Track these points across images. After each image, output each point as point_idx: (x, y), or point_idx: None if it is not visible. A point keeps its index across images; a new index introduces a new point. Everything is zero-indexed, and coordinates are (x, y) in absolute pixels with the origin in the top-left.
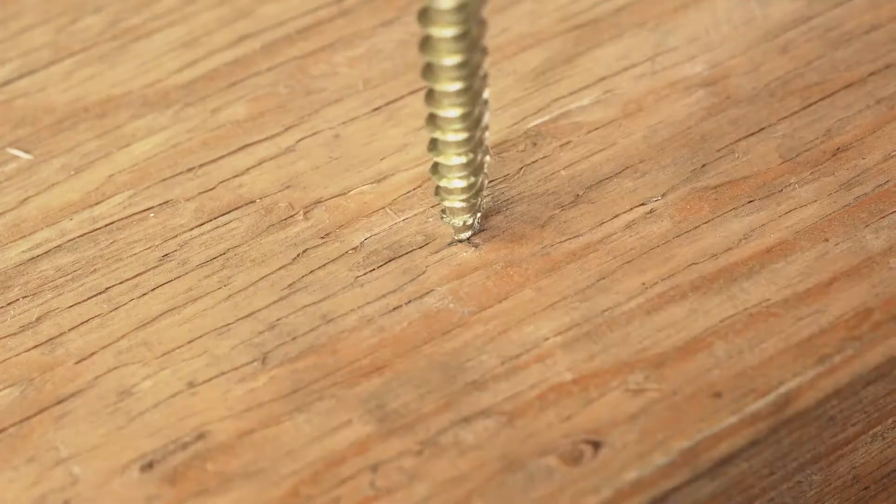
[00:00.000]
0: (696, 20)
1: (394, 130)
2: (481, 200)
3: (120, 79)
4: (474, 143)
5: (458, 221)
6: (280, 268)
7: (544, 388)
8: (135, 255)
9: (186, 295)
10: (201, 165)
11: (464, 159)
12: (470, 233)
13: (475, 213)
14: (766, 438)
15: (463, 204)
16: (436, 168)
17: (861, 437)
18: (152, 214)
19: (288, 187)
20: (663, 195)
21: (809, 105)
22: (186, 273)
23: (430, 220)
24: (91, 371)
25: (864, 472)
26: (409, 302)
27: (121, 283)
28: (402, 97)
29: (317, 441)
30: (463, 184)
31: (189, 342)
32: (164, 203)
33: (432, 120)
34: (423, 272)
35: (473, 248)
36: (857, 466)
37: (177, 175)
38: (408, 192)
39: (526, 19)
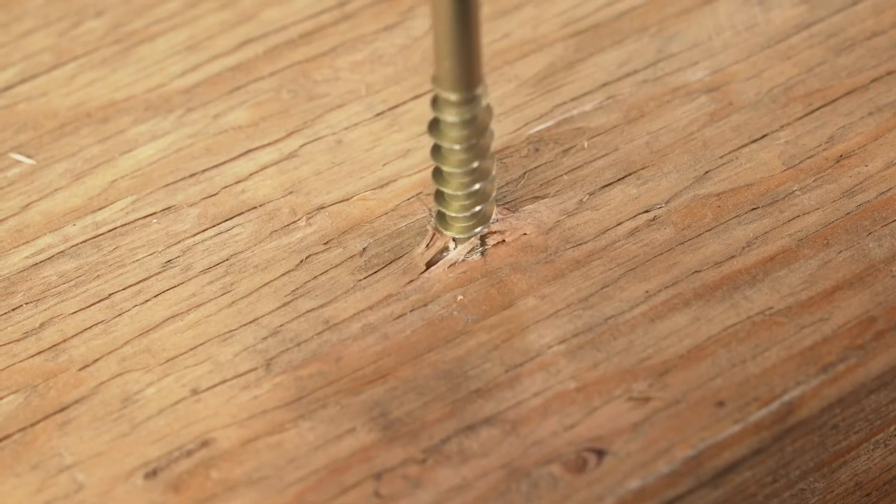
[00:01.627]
0: (698, 26)
1: (396, 136)
2: (485, 208)
3: (122, 83)
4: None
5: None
6: (283, 274)
7: (548, 397)
8: (137, 261)
9: (189, 301)
10: (204, 171)
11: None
12: (474, 240)
13: (479, 220)
14: (769, 447)
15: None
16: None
17: (863, 445)
18: (155, 220)
19: (290, 193)
20: (666, 202)
21: (812, 111)
22: (189, 279)
23: (434, 226)
24: (95, 378)
25: (867, 479)
26: (413, 309)
27: (124, 289)
28: (404, 102)
29: (321, 448)
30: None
31: (192, 349)
32: (166, 209)
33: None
34: (427, 279)
35: (477, 256)
36: (860, 473)
37: (179, 180)
38: (410, 198)
39: (527, 25)
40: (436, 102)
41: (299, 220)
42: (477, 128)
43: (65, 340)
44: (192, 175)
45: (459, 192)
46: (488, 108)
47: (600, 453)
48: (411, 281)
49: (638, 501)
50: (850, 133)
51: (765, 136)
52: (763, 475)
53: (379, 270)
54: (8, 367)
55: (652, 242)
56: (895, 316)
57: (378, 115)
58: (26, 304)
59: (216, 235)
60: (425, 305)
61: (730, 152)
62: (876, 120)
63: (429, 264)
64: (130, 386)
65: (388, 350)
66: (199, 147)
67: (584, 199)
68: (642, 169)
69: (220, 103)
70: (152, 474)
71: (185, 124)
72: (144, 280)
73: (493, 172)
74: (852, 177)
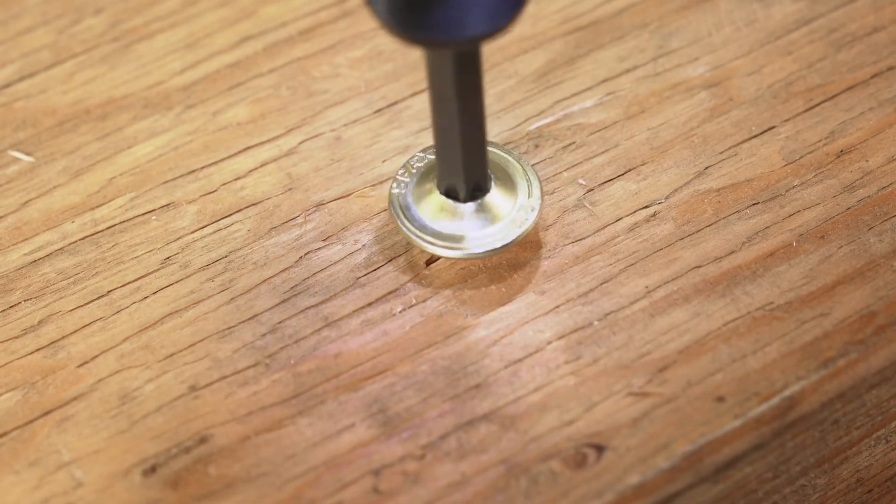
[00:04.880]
0: (698, 21)
1: (396, 132)
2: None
3: (121, 80)
4: None
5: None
6: (282, 270)
7: (547, 392)
8: (136, 257)
9: (188, 298)
10: (203, 168)
11: None
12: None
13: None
14: (769, 442)
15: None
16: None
17: (865, 441)
18: (154, 217)
19: (289, 189)
20: (666, 198)
21: (812, 107)
22: (188, 276)
23: None
24: (93, 374)
25: (868, 475)
26: (412, 305)
27: (122, 286)
28: (403, 99)
29: (319, 445)
30: None
31: (191, 345)
32: (165, 205)
33: None
34: (426, 276)
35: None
36: (861, 469)
37: (178, 177)
38: None
39: (527, 21)
40: None
41: (298, 216)
42: None
43: (63, 337)
44: (191, 172)
45: None
46: None
47: (600, 449)
48: (411, 278)
49: (637, 497)
50: (851, 128)
51: (765, 131)
52: (763, 471)
53: (378, 268)
54: (6, 363)
55: (652, 238)
56: None
57: (377, 111)
58: (25, 301)
59: (215, 232)
60: (424, 301)
61: (730, 147)
62: (877, 115)
63: (428, 262)
64: (129, 383)
65: (387, 346)
66: (198, 144)
67: (584, 195)
68: (642, 165)
69: (219, 100)
70: (151, 471)
71: (184, 121)
72: (143, 277)
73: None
74: (853, 172)
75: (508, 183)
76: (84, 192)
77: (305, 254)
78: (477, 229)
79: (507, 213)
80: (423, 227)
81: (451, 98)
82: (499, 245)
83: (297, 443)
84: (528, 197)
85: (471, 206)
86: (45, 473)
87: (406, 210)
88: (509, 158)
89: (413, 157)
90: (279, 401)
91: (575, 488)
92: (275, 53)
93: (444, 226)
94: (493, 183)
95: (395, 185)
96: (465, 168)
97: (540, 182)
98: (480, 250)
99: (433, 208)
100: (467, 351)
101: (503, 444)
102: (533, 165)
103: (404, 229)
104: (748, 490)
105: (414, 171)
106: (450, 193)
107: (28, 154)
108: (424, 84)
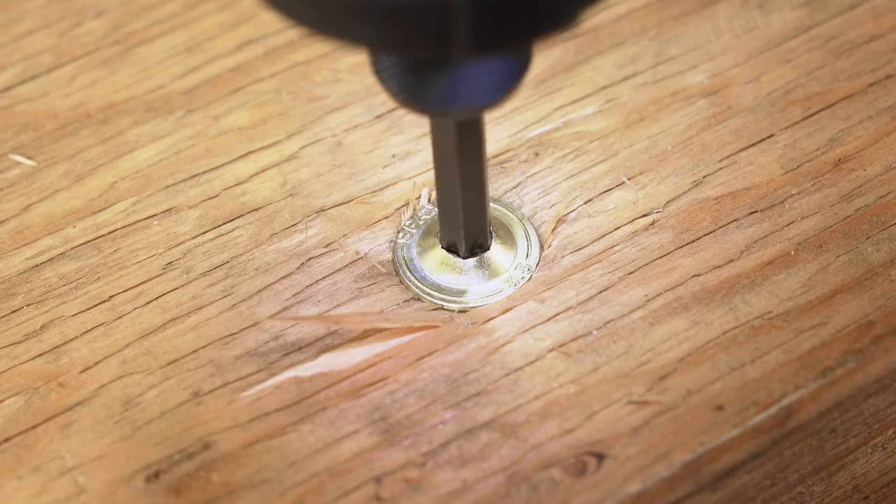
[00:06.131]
0: (697, 29)
1: (397, 138)
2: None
3: (122, 84)
4: None
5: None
6: (284, 276)
7: (548, 400)
8: (138, 262)
9: (190, 304)
10: (204, 172)
11: None
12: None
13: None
14: (767, 451)
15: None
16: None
17: (862, 448)
18: (156, 222)
19: (291, 195)
20: (665, 206)
21: (811, 115)
22: (190, 281)
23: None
24: (96, 380)
25: (865, 482)
26: (413, 313)
27: (125, 291)
28: None
29: (321, 452)
30: None
31: (194, 351)
32: (167, 210)
33: None
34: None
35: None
36: (858, 476)
37: (179, 182)
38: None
39: None
40: None
41: (299, 223)
42: None
43: (66, 342)
44: (193, 177)
45: None
46: None
47: (600, 457)
48: (411, 286)
49: None
50: (849, 137)
51: (763, 139)
52: (762, 479)
53: (380, 275)
54: (9, 369)
55: (651, 246)
56: (894, 320)
57: (378, 117)
58: (27, 305)
59: (217, 238)
60: (427, 311)
61: (728, 156)
62: (875, 124)
63: None
64: (132, 389)
65: (389, 353)
66: (200, 149)
67: (583, 204)
68: (641, 174)
69: (220, 105)
70: (154, 477)
71: (185, 126)
72: (145, 282)
73: None
74: (851, 181)
75: (509, 240)
76: (85, 197)
77: (307, 260)
78: (475, 284)
79: (506, 269)
80: (424, 280)
81: (453, 161)
82: (491, 302)
83: (299, 450)
84: (527, 256)
85: (472, 261)
86: (48, 479)
87: (409, 262)
88: (511, 215)
89: (422, 208)
90: (281, 407)
91: (575, 496)
92: (276, 58)
93: (445, 279)
94: (493, 239)
95: (400, 234)
96: (465, 227)
97: (540, 239)
98: (474, 304)
99: (435, 262)
100: (468, 359)
101: (504, 451)
102: (533, 174)
103: (406, 280)
104: (746, 498)
105: (421, 222)
106: (451, 249)
107: (29, 158)
108: None
